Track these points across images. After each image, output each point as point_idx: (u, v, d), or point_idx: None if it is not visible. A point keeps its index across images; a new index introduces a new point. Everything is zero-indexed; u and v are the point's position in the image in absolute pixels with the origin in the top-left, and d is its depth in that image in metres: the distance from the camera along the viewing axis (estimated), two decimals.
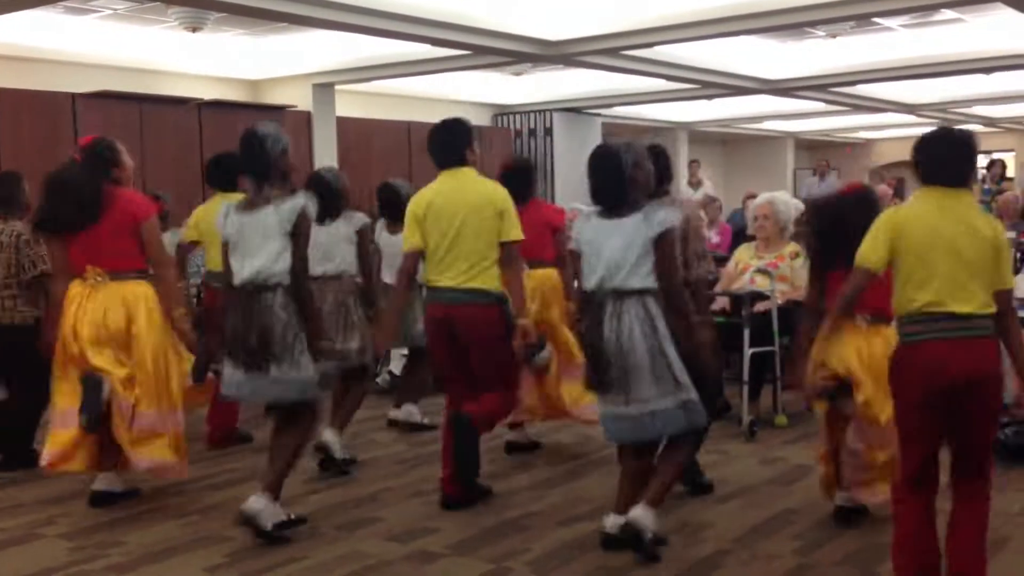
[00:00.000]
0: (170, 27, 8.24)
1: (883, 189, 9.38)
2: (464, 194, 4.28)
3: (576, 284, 4.33)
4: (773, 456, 5.21)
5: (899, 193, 13.07)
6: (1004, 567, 3.62)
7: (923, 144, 3.20)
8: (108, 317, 4.31)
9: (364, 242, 5.29)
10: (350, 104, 10.52)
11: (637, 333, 3.68)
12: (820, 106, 13.87)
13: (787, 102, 13.53)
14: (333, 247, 5.17)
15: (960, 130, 3.30)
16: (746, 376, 5.67)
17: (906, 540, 3.18)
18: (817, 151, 20.03)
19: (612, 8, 7.94)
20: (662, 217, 3.71)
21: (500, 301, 4.28)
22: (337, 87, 10.14)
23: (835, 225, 3.93)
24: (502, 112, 12.88)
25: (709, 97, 12.54)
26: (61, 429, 4.36)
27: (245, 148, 4.11)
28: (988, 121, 16.57)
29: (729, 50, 9.73)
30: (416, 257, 4.38)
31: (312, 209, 4.10)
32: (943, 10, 8.20)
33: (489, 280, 4.27)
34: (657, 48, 8.91)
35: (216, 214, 4.33)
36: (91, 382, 4.27)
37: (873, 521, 4.06)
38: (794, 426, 5.79)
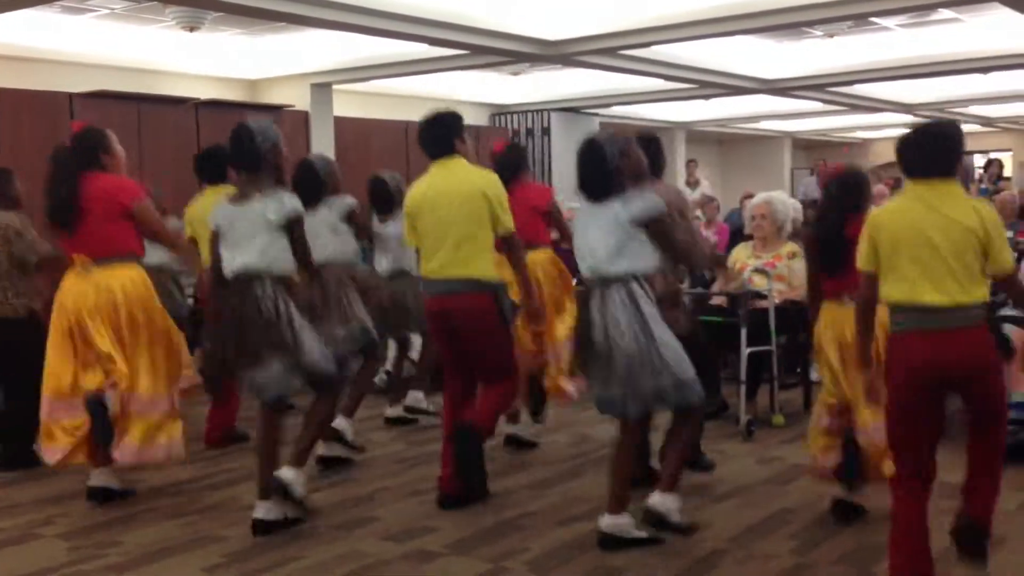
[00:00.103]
0: (167, 27, 8.23)
1: (880, 189, 9.39)
2: (454, 184, 4.28)
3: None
4: (770, 456, 5.21)
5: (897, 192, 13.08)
6: (1001, 565, 3.62)
7: (904, 139, 3.25)
8: (98, 300, 4.32)
9: (356, 222, 5.27)
10: (348, 104, 10.52)
11: (622, 318, 3.72)
12: (817, 106, 13.88)
13: (784, 102, 13.54)
14: (314, 236, 5.13)
15: (940, 122, 3.34)
16: (743, 376, 5.68)
17: (900, 538, 3.19)
18: (814, 151, 20.06)
19: (609, 8, 7.94)
20: (640, 205, 3.76)
21: (494, 289, 4.28)
22: (335, 87, 10.13)
23: (825, 230, 4.02)
24: (500, 112, 12.87)
25: (706, 97, 12.54)
26: (61, 419, 4.37)
27: (235, 142, 4.15)
28: (985, 121, 16.58)
29: (726, 50, 9.73)
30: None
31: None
32: (940, 10, 8.20)
33: (482, 269, 4.26)
34: (654, 48, 8.92)
35: (206, 209, 4.36)
36: (95, 408, 4.32)
37: (870, 521, 4.07)
38: (791, 426, 5.80)
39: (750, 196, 8.79)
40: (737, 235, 8.78)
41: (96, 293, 4.35)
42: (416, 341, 6.64)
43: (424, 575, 3.69)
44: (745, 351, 5.65)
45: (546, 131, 12.68)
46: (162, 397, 4.44)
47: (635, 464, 4.07)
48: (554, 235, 7.15)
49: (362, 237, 5.29)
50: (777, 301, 5.78)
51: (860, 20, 8.46)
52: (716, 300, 6.18)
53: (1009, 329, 5.09)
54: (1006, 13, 7.80)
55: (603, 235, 3.79)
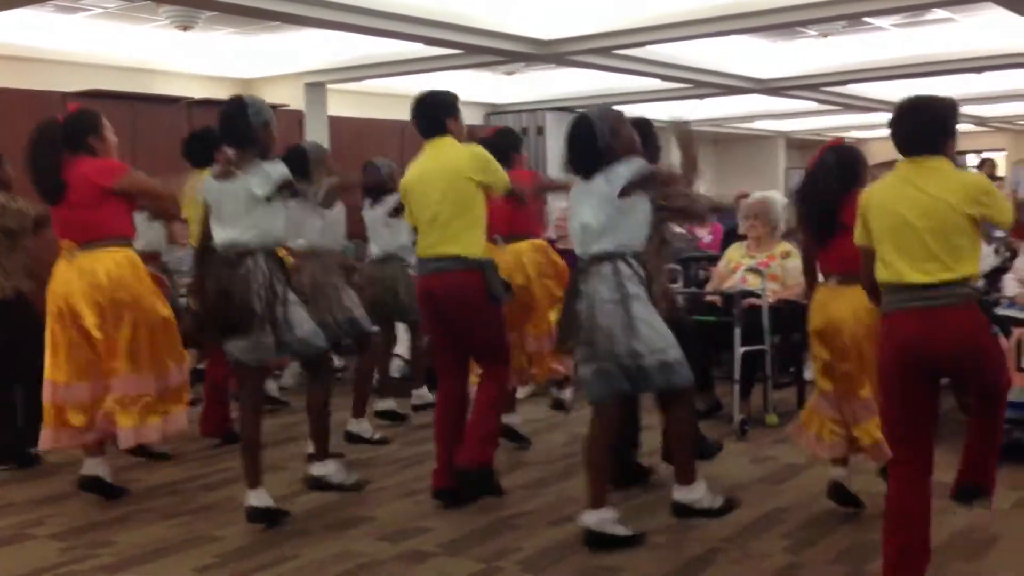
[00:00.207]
0: (161, 26, 8.21)
1: None
2: (440, 164, 4.28)
3: None
4: (764, 455, 5.21)
5: None
6: (994, 563, 3.63)
7: (892, 116, 3.26)
8: (82, 284, 4.32)
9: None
10: (342, 103, 10.50)
11: (604, 294, 3.71)
12: (812, 105, 13.89)
13: (779, 101, 13.54)
14: (300, 223, 5.09)
15: (927, 97, 3.30)
16: (737, 375, 5.68)
17: (894, 527, 3.16)
18: (808, 150, 19.99)
19: (604, 8, 7.94)
20: (623, 172, 3.75)
21: (481, 267, 4.26)
22: (329, 86, 10.12)
23: (815, 193, 4.01)
24: (495, 112, 12.86)
25: (701, 96, 12.53)
26: (61, 402, 4.38)
27: (226, 116, 4.12)
28: (979, 120, 16.60)
29: (721, 50, 9.73)
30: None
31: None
32: (934, 10, 8.21)
33: (468, 246, 4.24)
34: (649, 48, 8.91)
35: (194, 190, 4.37)
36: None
37: (864, 519, 4.08)
38: (785, 425, 5.79)
39: (744, 196, 8.79)
40: (731, 235, 8.77)
41: (80, 278, 4.34)
42: (404, 337, 6.66)
43: (418, 575, 3.68)
44: (739, 350, 5.65)
45: (541, 131, 12.67)
46: (148, 378, 4.41)
47: (616, 462, 4.06)
48: (551, 234, 7.18)
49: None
50: (771, 300, 5.79)
51: (854, 20, 8.46)
52: (710, 299, 6.18)
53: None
54: (1000, 13, 7.81)
55: (593, 212, 3.78)
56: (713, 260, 7.31)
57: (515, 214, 5.14)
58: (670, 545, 3.89)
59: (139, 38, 8.56)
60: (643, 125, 4.33)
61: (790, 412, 6.07)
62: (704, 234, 9.58)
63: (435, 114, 4.34)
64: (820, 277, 4.18)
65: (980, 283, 5.03)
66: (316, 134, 9.88)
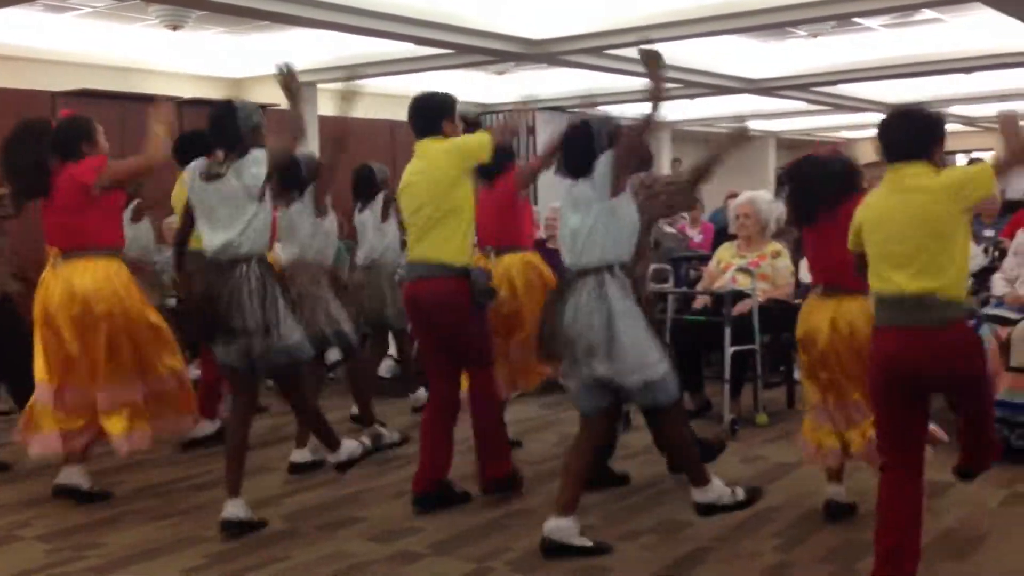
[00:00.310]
0: (151, 25, 8.19)
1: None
2: (425, 167, 4.28)
3: None
4: (754, 454, 5.22)
5: None
6: (983, 561, 3.64)
7: (881, 124, 3.28)
8: (61, 296, 4.29)
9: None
10: (333, 103, 10.48)
11: (588, 311, 3.67)
12: (802, 105, 13.93)
13: (769, 101, 13.58)
14: (291, 231, 5.09)
15: (909, 105, 3.34)
16: (727, 375, 5.69)
17: (880, 518, 3.18)
18: (799, 150, 20.04)
19: (595, 7, 7.95)
20: (600, 169, 3.75)
21: (463, 274, 4.25)
22: (319, 86, 10.10)
23: (804, 181, 4.04)
24: (485, 111, 12.82)
25: (691, 96, 12.56)
26: (48, 405, 4.36)
27: (216, 119, 4.08)
28: (968, 121, 16.67)
29: (711, 50, 9.75)
30: None
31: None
32: (923, 10, 8.24)
33: (453, 252, 4.22)
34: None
35: (183, 192, 4.35)
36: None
37: (854, 517, 4.08)
38: (775, 425, 5.81)
39: (734, 195, 8.81)
40: (721, 234, 8.78)
41: (59, 289, 4.31)
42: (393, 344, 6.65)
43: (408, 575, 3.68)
44: (729, 350, 5.66)
45: (531, 131, 12.67)
46: (132, 387, 4.38)
47: (594, 465, 4.02)
48: (541, 234, 7.17)
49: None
50: (761, 300, 5.79)
51: (843, 20, 8.49)
52: (700, 300, 6.18)
53: (991, 328, 5.12)
54: (988, 13, 7.84)
55: (580, 217, 3.75)
56: (704, 260, 7.32)
57: (506, 225, 5.13)
58: (660, 545, 3.89)
59: (128, 37, 8.54)
60: None
61: (780, 412, 6.09)
62: (695, 234, 9.60)
63: (430, 115, 4.32)
64: (809, 277, 4.19)
65: (969, 282, 5.02)
66: (306, 133, 9.86)
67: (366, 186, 5.89)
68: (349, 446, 4.41)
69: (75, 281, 4.29)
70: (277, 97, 10.60)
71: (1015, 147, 3.07)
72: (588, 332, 3.67)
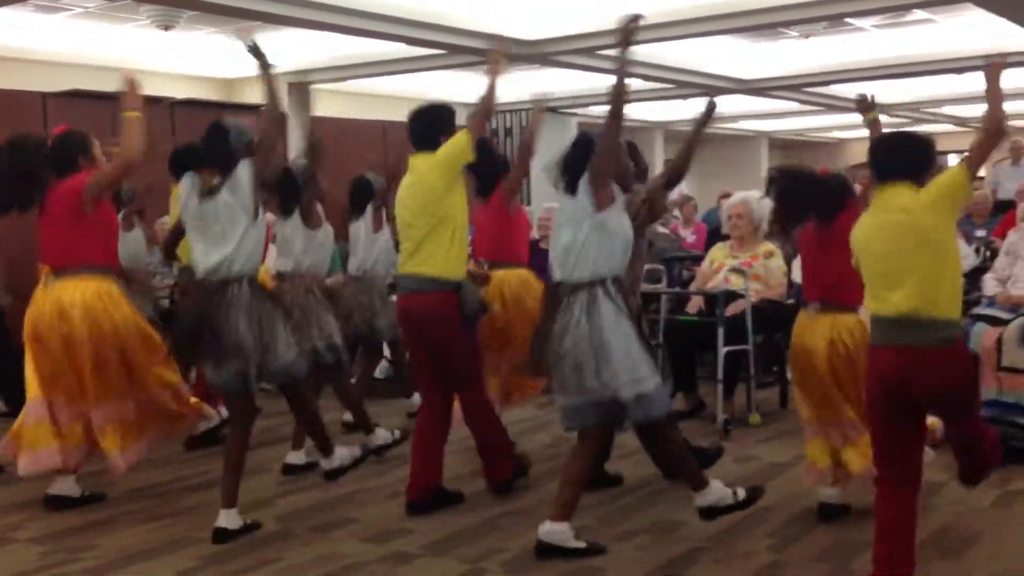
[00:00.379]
0: (142, 25, 8.16)
1: (856, 188, 9.44)
2: (416, 180, 4.29)
3: None
4: (747, 455, 5.23)
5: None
6: (975, 560, 3.65)
7: (869, 149, 3.35)
8: (50, 316, 4.26)
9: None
10: (325, 103, 10.45)
11: (579, 327, 3.66)
12: (794, 106, 13.95)
13: (761, 102, 13.60)
14: (287, 243, 5.12)
15: (898, 131, 3.44)
16: (720, 375, 5.70)
17: (882, 538, 3.22)
18: (791, 151, 20.17)
19: (587, 8, 7.94)
20: (582, 185, 3.75)
21: (455, 288, 4.25)
22: (312, 86, 10.09)
23: (793, 194, 4.06)
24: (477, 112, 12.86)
25: (684, 97, 12.57)
26: (33, 423, 4.32)
27: (208, 139, 4.09)
28: (959, 121, 16.72)
29: (704, 50, 9.76)
30: None
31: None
32: (915, 11, 8.26)
33: (444, 267, 4.22)
34: (632, 48, 8.91)
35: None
36: None
37: (848, 518, 4.09)
38: (768, 425, 5.83)
39: (727, 196, 8.83)
40: (714, 235, 8.81)
41: (49, 308, 4.27)
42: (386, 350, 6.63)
43: None
44: (722, 350, 5.67)
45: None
46: (124, 405, 4.35)
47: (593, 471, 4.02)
48: (534, 234, 7.17)
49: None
50: (754, 300, 5.80)
51: (835, 21, 8.51)
52: (694, 301, 6.18)
53: (981, 328, 5.14)
54: (980, 14, 7.86)
55: (572, 233, 3.74)
56: (697, 260, 7.34)
57: (502, 239, 5.11)
58: (654, 545, 3.89)
59: (120, 38, 8.50)
60: (630, 148, 4.31)
61: (773, 412, 6.11)
62: (688, 234, 9.63)
63: (429, 127, 4.32)
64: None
65: (961, 282, 5.04)
66: (299, 134, 9.84)
67: (361, 196, 5.86)
68: (342, 453, 4.42)
69: (64, 300, 4.26)
70: None
71: (994, 102, 3.10)
72: (577, 349, 3.64)
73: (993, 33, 8.85)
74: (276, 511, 4.38)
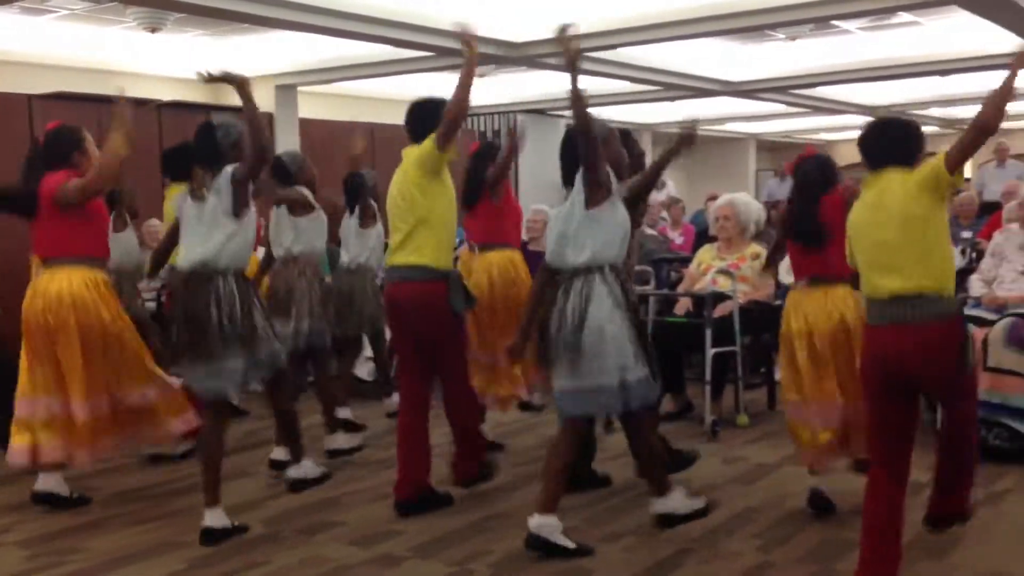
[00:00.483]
0: (129, 27, 8.13)
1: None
2: (402, 174, 4.33)
3: None
4: (735, 455, 5.24)
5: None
6: (960, 560, 3.67)
7: (859, 137, 3.39)
8: (42, 305, 4.25)
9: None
10: (313, 105, 10.45)
11: (573, 313, 3.69)
12: (781, 108, 14.00)
13: (748, 104, 13.64)
14: (281, 230, 5.23)
15: (886, 116, 3.45)
16: (708, 376, 5.71)
17: (868, 533, 3.23)
18: (779, 152, 20.21)
19: (575, 10, 7.95)
20: (576, 184, 3.79)
21: (442, 278, 4.26)
22: (300, 88, 10.08)
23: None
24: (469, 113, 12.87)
25: (672, 99, 12.61)
26: (28, 419, 4.31)
27: (198, 138, 4.16)
28: (945, 123, 16.80)
29: (691, 52, 9.79)
30: None
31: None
32: (900, 13, 8.30)
33: (433, 256, 4.24)
34: (620, 50, 8.94)
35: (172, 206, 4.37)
36: None
37: (834, 517, 4.11)
38: (755, 426, 5.84)
39: (715, 198, 8.85)
40: (702, 236, 8.83)
41: (37, 298, 4.28)
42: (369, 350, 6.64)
43: None
44: (710, 352, 5.68)
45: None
46: (99, 401, 4.32)
47: (576, 465, 4.05)
48: (524, 236, 7.18)
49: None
50: (741, 302, 5.82)
51: (821, 23, 8.54)
52: (682, 304, 6.19)
53: (971, 329, 5.16)
54: (964, 16, 7.91)
55: (565, 224, 3.78)
56: (684, 261, 7.35)
57: (494, 223, 5.19)
58: (642, 546, 3.90)
59: (106, 40, 8.47)
60: (624, 135, 4.35)
61: (761, 413, 6.12)
62: (675, 236, 9.65)
63: (421, 121, 4.34)
64: (789, 278, 4.22)
65: (953, 261, 5.09)
66: (286, 136, 9.83)
67: (354, 193, 5.91)
68: (307, 466, 4.43)
69: (52, 289, 4.26)
70: (256, 100, 10.57)
71: (1002, 98, 3.04)
72: (570, 333, 3.68)
73: (977, 36, 8.91)
74: (263, 514, 4.37)
